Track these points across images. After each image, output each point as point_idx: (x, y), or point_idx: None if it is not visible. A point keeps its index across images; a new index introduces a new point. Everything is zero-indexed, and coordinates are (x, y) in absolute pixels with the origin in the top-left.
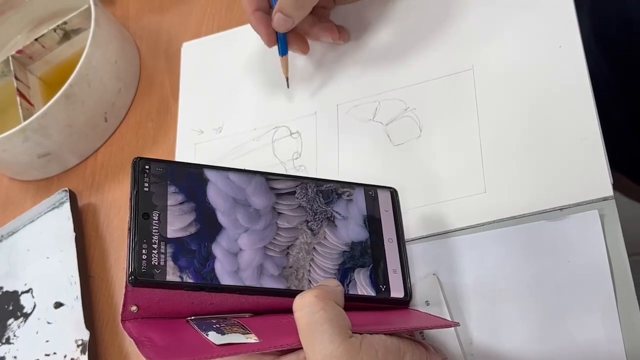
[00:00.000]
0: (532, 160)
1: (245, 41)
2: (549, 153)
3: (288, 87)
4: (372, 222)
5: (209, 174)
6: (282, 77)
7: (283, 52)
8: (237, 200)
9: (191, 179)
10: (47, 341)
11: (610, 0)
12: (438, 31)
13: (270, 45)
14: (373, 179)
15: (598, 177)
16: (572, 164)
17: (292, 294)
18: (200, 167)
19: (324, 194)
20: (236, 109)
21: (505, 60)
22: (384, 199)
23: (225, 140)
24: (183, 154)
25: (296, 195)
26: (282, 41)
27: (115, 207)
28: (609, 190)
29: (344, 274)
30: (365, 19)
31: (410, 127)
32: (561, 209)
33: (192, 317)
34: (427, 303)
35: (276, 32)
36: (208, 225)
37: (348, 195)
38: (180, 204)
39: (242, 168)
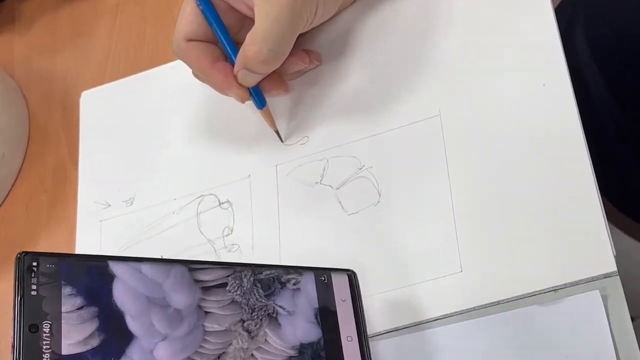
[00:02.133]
0: (516, 230)
1: (160, 87)
2: (537, 220)
3: (282, 141)
4: (326, 316)
5: (115, 267)
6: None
7: (261, 104)
8: (152, 300)
9: (92, 275)
10: None
11: (605, 12)
12: (398, 69)
13: (243, 100)
14: (325, 259)
15: (598, 249)
16: (565, 233)
17: None
18: (103, 260)
19: (263, 284)
20: (151, 175)
21: (479, 103)
22: (340, 286)
23: (138, 215)
24: (86, 235)
25: (228, 287)
26: (256, 93)
27: None
28: (611, 265)
29: None
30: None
31: (366, 190)
32: (555, 289)
33: None
34: None
35: None
36: (115, 335)
37: (294, 284)
38: (78, 309)
39: (158, 257)
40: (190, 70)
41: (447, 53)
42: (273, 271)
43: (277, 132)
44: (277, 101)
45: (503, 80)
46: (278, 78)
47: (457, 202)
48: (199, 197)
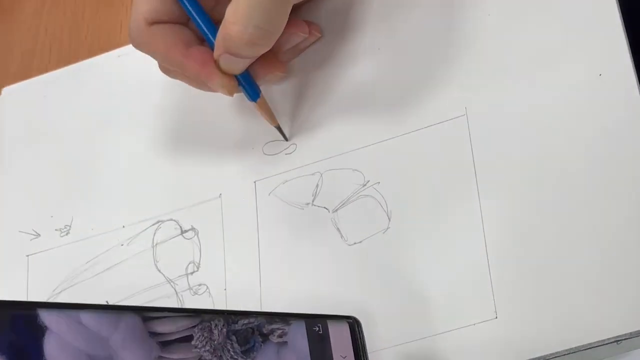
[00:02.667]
0: (565, 265)
1: (104, 81)
2: (592, 253)
3: (287, 139)
4: None
5: (47, 317)
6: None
7: (253, 95)
8: (96, 359)
9: (17, 328)
10: None
11: None
12: (411, 56)
13: (231, 93)
14: (319, 304)
15: None
16: (630, 270)
17: None
18: (31, 307)
19: (239, 337)
20: (92, 195)
21: (515, 100)
22: (340, 338)
23: (76, 247)
24: (8, 275)
25: (194, 342)
26: (247, 80)
27: None
28: None
29: None
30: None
31: (372, 214)
32: (618, 340)
33: None
34: None
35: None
36: None
37: (279, 336)
38: None
39: (102, 304)
40: (152, 62)
41: (476, 36)
42: (252, 320)
43: (280, 129)
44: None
45: (547, 71)
46: (272, 57)
47: (489, 229)
48: (155, 223)
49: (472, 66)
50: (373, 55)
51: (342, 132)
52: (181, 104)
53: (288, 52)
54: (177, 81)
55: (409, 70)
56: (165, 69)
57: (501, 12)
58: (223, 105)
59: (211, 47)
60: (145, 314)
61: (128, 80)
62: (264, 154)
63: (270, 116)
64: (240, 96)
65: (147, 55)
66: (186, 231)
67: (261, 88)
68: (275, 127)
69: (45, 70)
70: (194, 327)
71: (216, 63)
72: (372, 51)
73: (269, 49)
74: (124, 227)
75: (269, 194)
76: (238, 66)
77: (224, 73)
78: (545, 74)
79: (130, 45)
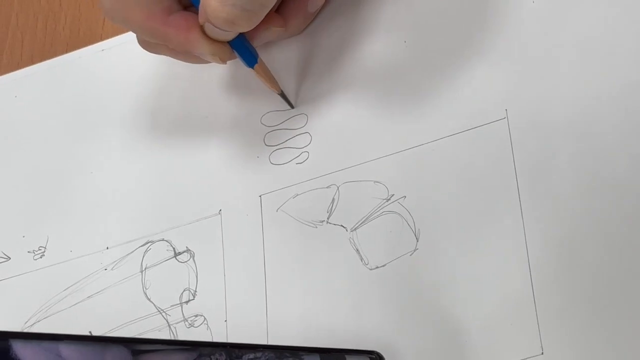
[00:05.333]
0: (622, 293)
1: (85, 78)
2: None
3: (292, 107)
4: None
5: (21, 349)
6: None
7: (250, 61)
8: None
9: None
10: None
11: None
12: (443, 51)
13: (223, 59)
14: (336, 336)
15: None
16: None
17: None
18: (3, 338)
19: None
20: (71, 211)
21: (565, 100)
22: None
23: (52, 272)
24: None
25: None
26: (240, 45)
27: None
28: None
29: None
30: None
31: (397, 233)
32: None
33: None
34: None
35: None
36: None
37: None
38: None
39: (85, 335)
40: (140, 58)
41: (518, 26)
42: (259, 354)
43: (283, 95)
44: (254, 95)
45: (600, 66)
46: (268, 16)
47: (534, 251)
48: (145, 244)
49: (514, 61)
50: (399, 49)
51: (362, 138)
52: (174, 105)
53: (293, 20)
54: (168, 81)
55: (440, 67)
56: (145, 43)
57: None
58: (223, 106)
59: (197, 9)
60: (134, 346)
61: (112, 78)
62: (271, 163)
63: (272, 82)
64: (242, 96)
65: (134, 50)
66: (180, 253)
67: (260, 50)
68: (278, 93)
69: (17, 66)
70: None
71: (202, 28)
72: (397, 45)
73: (252, 27)
74: (107, 248)
75: (277, 210)
76: (225, 35)
77: (213, 40)
78: (599, 69)
79: (115, 39)
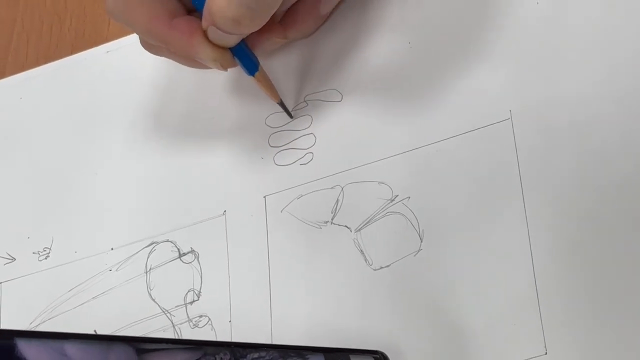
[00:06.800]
0: (627, 294)
1: (89, 80)
2: None
3: (291, 117)
4: None
5: (26, 348)
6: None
7: (251, 69)
8: None
9: None
10: None
11: None
12: (447, 51)
13: (225, 67)
14: (340, 336)
15: None
16: None
17: None
18: (8, 337)
19: None
20: (75, 212)
21: (570, 99)
22: None
23: (57, 273)
24: None
25: None
26: (241, 51)
27: None
28: None
29: None
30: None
31: (401, 233)
32: None
33: None
34: None
35: None
36: None
37: None
38: None
39: (90, 333)
40: (144, 59)
41: (522, 26)
42: (263, 354)
43: (282, 104)
44: (259, 96)
45: (608, 66)
46: (269, 25)
47: (538, 252)
48: (149, 245)
49: (518, 62)
50: (403, 50)
51: (366, 138)
52: (179, 106)
53: (304, 22)
54: (173, 82)
55: (444, 68)
56: (147, 45)
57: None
58: (228, 107)
59: (201, 14)
60: (139, 345)
61: (117, 79)
62: (275, 164)
63: (272, 91)
64: (247, 97)
65: (139, 52)
66: (185, 254)
67: (261, 57)
68: (277, 103)
69: (22, 68)
70: None
71: (205, 34)
72: (401, 46)
73: (257, 28)
74: (112, 249)
75: (282, 211)
76: (228, 40)
77: (215, 45)
78: (603, 70)
79: (120, 40)
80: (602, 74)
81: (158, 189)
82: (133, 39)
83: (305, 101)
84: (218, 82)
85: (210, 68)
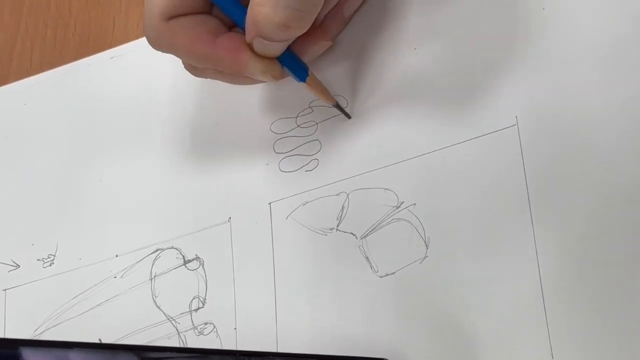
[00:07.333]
0: (633, 301)
1: (94, 86)
2: None
3: (349, 117)
4: None
5: (31, 357)
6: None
7: (302, 75)
8: None
9: None
10: None
11: None
12: (454, 57)
13: (278, 78)
14: (346, 344)
15: None
16: None
17: None
18: (12, 346)
19: None
20: (80, 219)
21: (576, 106)
22: None
23: (61, 280)
24: None
25: None
26: (290, 60)
27: None
28: None
29: None
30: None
31: (407, 240)
32: None
33: None
34: None
35: None
36: None
37: None
38: None
39: (94, 342)
40: (151, 66)
41: (529, 33)
42: None
43: (338, 106)
44: (264, 102)
45: (614, 72)
46: (312, 29)
47: (545, 259)
48: (154, 252)
49: (524, 68)
50: (409, 56)
51: (371, 145)
52: (183, 112)
53: (330, 25)
54: (177, 88)
55: (450, 75)
56: (192, 68)
57: (558, 3)
58: (233, 113)
59: (242, 29)
60: (144, 354)
61: (122, 86)
62: (281, 170)
63: (325, 94)
64: (254, 99)
65: (144, 57)
66: (190, 261)
67: (310, 63)
68: (333, 105)
69: (26, 74)
70: None
71: (250, 47)
72: (407, 52)
73: (305, 30)
74: (117, 256)
75: (287, 218)
76: (275, 49)
77: (263, 57)
78: (609, 76)
79: (125, 46)
80: (609, 79)
81: (163, 196)
82: (137, 44)
83: (310, 107)
84: (223, 88)
85: (262, 82)
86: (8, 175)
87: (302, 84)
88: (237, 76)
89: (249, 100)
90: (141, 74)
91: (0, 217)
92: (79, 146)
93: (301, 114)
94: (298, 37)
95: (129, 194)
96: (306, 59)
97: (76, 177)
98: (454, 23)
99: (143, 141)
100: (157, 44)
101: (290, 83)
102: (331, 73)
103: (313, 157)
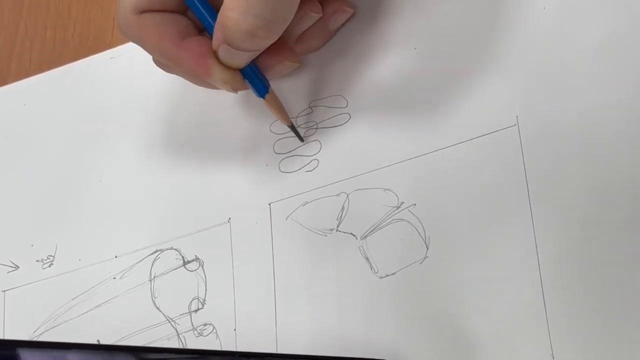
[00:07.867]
0: (635, 302)
1: (93, 87)
2: None
3: (302, 140)
4: None
5: (28, 357)
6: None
7: (261, 91)
8: None
9: None
10: None
11: None
12: (452, 57)
13: (235, 89)
14: (345, 345)
15: None
16: None
17: None
18: (10, 347)
19: None
20: (79, 220)
21: (577, 105)
22: None
23: (60, 281)
24: None
25: None
26: (252, 73)
27: None
28: None
29: None
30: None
31: (407, 241)
32: None
33: None
34: None
35: None
36: None
37: None
38: None
39: (93, 343)
40: (149, 66)
41: (529, 32)
42: None
43: (293, 128)
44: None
45: (615, 72)
46: (281, 43)
47: (545, 259)
48: (154, 252)
49: (524, 68)
50: (408, 55)
51: (371, 145)
52: (183, 113)
53: (313, 37)
54: (177, 88)
55: (450, 75)
56: (159, 63)
57: (559, 3)
58: (232, 115)
59: (210, 35)
60: (143, 355)
61: (121, 86)
62: (280, 171)
63: (282, 114)
64: (254, 102)
65: (143, 58)
66: (189, 262)
67: (272, 81)
68: (288, 126)
69: (25, 74)
70: None
71: (216, 55)
72: (407, 51)
73: (271, 42)
74: (116, 257)
75: (286, 218)
76: (240, 59)
77: (226, 66)
78: (609, 76)
79: (124, 47)
80: (609, 80)
81: (162, 196)
82: (137, 45)
83: (310, 107)
84: (222, 90)
85: (220, 89)
86: (7, 176)
87: (260, 100)
88: (199, 79)
89: (249, 100)
90: (141, 75)
91: (2, 217)
92: (79, 147)
93: (301, 114)
94: (265, 52)
95: (129, 194)
96: (270, 76)
97: (76, 178)
98: (454, 23)
99: (142, 142)
100: (127, 35)
101: (291, 83)
102: (331, 73)
103: (313, 157)
